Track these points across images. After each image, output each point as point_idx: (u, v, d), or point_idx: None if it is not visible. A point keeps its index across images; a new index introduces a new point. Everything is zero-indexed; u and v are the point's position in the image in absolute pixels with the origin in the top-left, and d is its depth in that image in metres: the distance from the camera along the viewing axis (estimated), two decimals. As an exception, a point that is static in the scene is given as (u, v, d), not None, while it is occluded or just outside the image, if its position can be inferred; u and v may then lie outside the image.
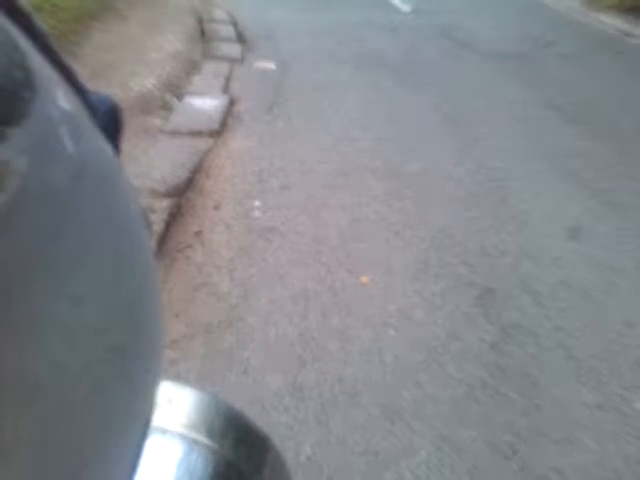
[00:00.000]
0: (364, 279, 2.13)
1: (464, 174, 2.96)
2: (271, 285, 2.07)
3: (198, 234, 2.33)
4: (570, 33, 6.22)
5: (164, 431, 0.34)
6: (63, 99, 0.13)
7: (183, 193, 2.55)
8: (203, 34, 5.02)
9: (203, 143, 3.02)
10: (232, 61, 4.40)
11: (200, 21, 5.35)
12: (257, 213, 2.51)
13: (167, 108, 3.45)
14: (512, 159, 3.16)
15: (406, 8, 6.92)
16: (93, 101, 0.16)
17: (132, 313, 0.16)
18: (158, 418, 0.34)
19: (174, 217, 2.38)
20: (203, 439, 0.34)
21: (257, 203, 2.57)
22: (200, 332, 1.85)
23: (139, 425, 0.18)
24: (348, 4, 6.80)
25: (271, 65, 4.46)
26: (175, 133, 3.08)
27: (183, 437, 0.34)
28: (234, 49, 4.70)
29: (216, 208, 2.52)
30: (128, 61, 4.09)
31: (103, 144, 0.15)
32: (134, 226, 0.16)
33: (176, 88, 3.76)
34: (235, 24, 5.39)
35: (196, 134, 3.09)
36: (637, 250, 2.41)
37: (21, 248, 0.11)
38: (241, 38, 5.03)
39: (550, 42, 5.69)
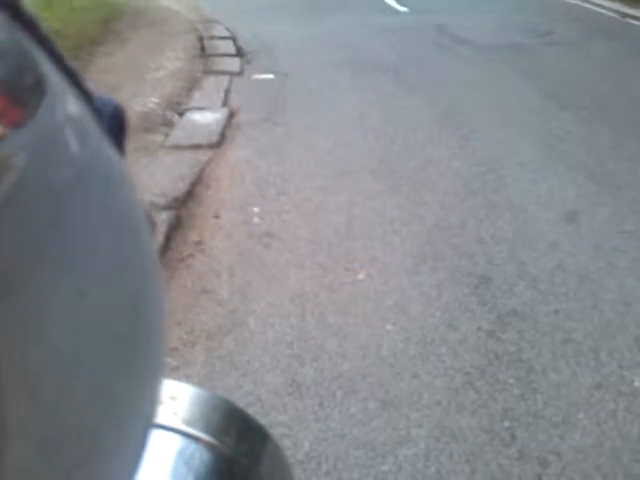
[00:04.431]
0: (361, 276, 2.15)
1: (461, 166, 2.96)
2: (270, 288, 2.11)
3: (198, 243, 2.39)
4: (568, 20, 6.18)
5: (165, 427, 0.34)
6: (69, 102, 0.14)
7: (183, 205, 2.61)
8: (203, 50, 5.12)
9: (202, 155, 3.08)
10: (231, 74, 4.48)
11: (200, 38, 5.45)
12: (256, 219, 2.55)
13: (168, 125, 3.53)
14: (508, 148, 3.16)
15: (403, 9, 6.95)
16: (98, 104, 0.17)
17: (135, 309, 0.16)
18: (160, 415, 0.34)
19: (174, 229, 2.43)
20: (204, 435, 0.35)
21: (256, 210, 2.62)
22: (201, 339, 1.89)
23: (141, 421, 0.18)
24: (347, 9, 6.86)
25: (269, 75, 4.53)
26: (175, 147, 3.15)
27: (184, 433, 0.34)
28: (233, 63, 4.78)
29: (216, 217, 2.57)
30: (130, 82, 4.19)
31: (108, 146, 0.16)
32: (138, 225, 0.17)
33: (177, 105, 3.84)
34: (235, 39, 5.48)
35: (195, 147, 3.16)
36: (635, 230, 2.39)
37: (19, 242, 0.11)
38: (240, 52, 5.11)
39: (548, 31, 5.66)
